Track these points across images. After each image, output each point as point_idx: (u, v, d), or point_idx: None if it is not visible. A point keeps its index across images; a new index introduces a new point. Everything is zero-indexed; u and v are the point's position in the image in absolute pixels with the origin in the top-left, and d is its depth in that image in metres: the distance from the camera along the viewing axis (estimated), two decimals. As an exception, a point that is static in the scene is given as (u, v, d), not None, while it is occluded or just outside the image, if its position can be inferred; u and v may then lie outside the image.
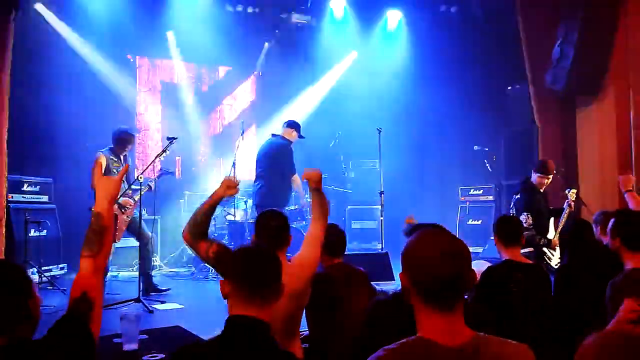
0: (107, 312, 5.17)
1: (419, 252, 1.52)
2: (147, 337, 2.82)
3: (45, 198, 7.11)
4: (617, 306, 2.08)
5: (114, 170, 5.80)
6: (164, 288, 6.25)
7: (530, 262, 3.41)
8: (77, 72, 8.22)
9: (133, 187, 6.12)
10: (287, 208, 8.48)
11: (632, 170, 7.86)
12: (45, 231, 6.87)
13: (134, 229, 6.11)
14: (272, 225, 2.91)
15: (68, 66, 8.14)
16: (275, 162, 6.52)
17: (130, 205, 6.01)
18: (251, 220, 8.04)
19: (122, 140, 6.00)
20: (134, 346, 2.68)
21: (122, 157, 6.05)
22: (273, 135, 6.80)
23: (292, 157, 6.53)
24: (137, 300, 5.37)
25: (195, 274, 7.68)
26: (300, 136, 6.74)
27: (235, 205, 7.78)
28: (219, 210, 8.30)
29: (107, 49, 8.50)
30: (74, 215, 7.74)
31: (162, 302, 5.59)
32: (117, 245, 7.90)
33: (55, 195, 7.35)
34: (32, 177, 7.07)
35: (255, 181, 6.73)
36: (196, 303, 5.87)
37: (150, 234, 6.25)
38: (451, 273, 1.46)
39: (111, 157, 5.96)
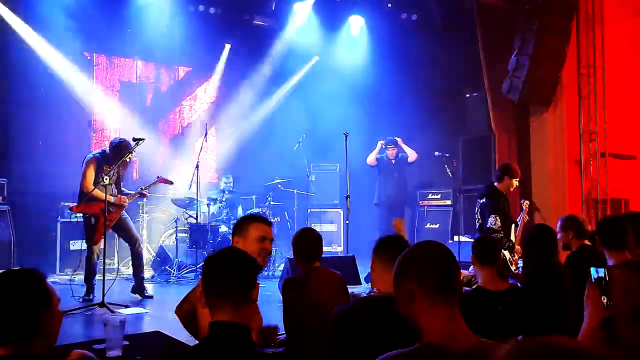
0: (71, 317, 5.04)
1: (420, 253, 1.69)
2: (128, 342, 2.76)
3: (-2, 199, 6.83)
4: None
5: (104, 175, 5.80)
6: (149, 294, 6.21)
7: (506, 284, 3.26)
8: (31, 68, 7.91)
9: (125, 190, 6.23)
10: (249, 211, 8.47)
11: (581, 176, 8.28)
12: (-2, 233, 6.61)
13: (123, 232, 6.22)
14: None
15: (21, 62, 7.85)
16: None
17: (125, 202, 6.05)
18: (214, 223, 7.98)
19: (118, 150, 5.93)
20: (117, 352, 2.64)
21: (115, 165, 5.94)
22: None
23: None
24: (101, 304, 5.24)
25: (156, 277, 7.54)
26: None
27: (198, 208, 7.69)
28: (180, 212, 8.20)
29: (63, 45, 8.22)
30: (27, 217, 7.51)
31: (126, 307, 5.47)
32: (72, 247, 7.77)
33: (9, 196, 7.07)
34: (-15, 178, 6.79)
35: None
36: (160, 307, 5.76)
37: (138, 236, 6.38)
38: (451, 263, 1.65)
39: (104, 161, 5.96)
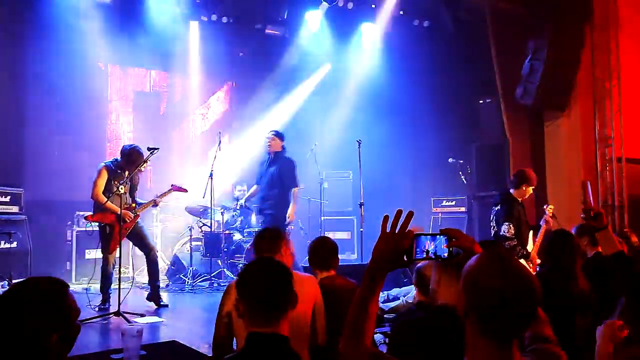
0: (87, 327, 5.05)
1: (485, 280, 1.42)
2: (145, 352, 2.76)
3: (15, 209, 6.91)
4: None
5: (116, 183, 5.74)
6: (164, 303, 6.15)
7: None
8: (46, 79, 8.00)
9: (138, 200, 6.20)
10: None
11: (597, 181, 8.19)
12: (15, 243, 6.67)
13: (138, 240, 6.22)
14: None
15: (36, 72, 7.94)
16: None
17: (130, 218, 5.97)
18: (228, 232, 7.98)
19: (129, 157, 5.92)
20: (135, 362, 2.63)
21: (127, 172, 5.92)
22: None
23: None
24: (117, 314, 5.24)
25: (170, 286, 7.55)
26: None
27: (212, 216, 7.71)
28: (194, 221, 8.21)
29: (78, 56, 8.31)
30: (43, 226, 7.57)
31: (142, 316, 5.47)
32: (87, 256, 7.81)
33: (25, 206, 7.14)
34: (2, 188, 6.85)
35: None
36: (176, 316, 5.78)
37: (153, 244, 6.40)
38: (517, 309, 1.38)
39: (116, 170, 5.95)
